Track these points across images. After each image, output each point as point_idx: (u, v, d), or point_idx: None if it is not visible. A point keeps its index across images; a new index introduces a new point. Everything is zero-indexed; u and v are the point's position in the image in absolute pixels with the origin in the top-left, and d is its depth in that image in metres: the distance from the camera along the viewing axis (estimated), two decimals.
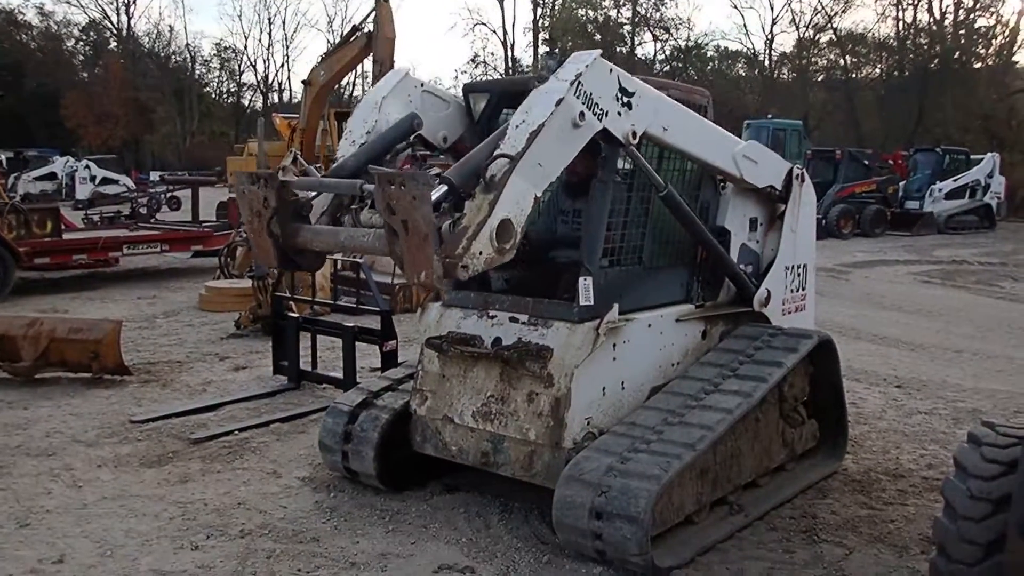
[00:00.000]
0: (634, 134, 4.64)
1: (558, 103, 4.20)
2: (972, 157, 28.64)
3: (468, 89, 5.52)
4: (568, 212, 5.67)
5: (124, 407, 7.40)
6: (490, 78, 52.56)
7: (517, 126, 4.18)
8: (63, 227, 14.92)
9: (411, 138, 4.92)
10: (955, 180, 27.00)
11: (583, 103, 4.33)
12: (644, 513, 4.16)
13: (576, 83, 4.28)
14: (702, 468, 4.84)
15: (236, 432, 6.71)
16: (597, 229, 4.82)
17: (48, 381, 8.07)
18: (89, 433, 6.69)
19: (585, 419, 4.78)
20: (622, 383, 5.00)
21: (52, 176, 35.28)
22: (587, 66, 4.35)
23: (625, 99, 4.58)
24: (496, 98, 5.37)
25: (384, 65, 17.77)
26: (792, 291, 6.19)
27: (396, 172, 3.96)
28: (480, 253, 3.95)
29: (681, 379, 5.19)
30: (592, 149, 5.40)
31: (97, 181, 33.44)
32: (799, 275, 6.26)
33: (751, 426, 5.24)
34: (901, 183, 27.22)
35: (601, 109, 4.44)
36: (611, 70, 4.52)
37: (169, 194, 30.96)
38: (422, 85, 5.20)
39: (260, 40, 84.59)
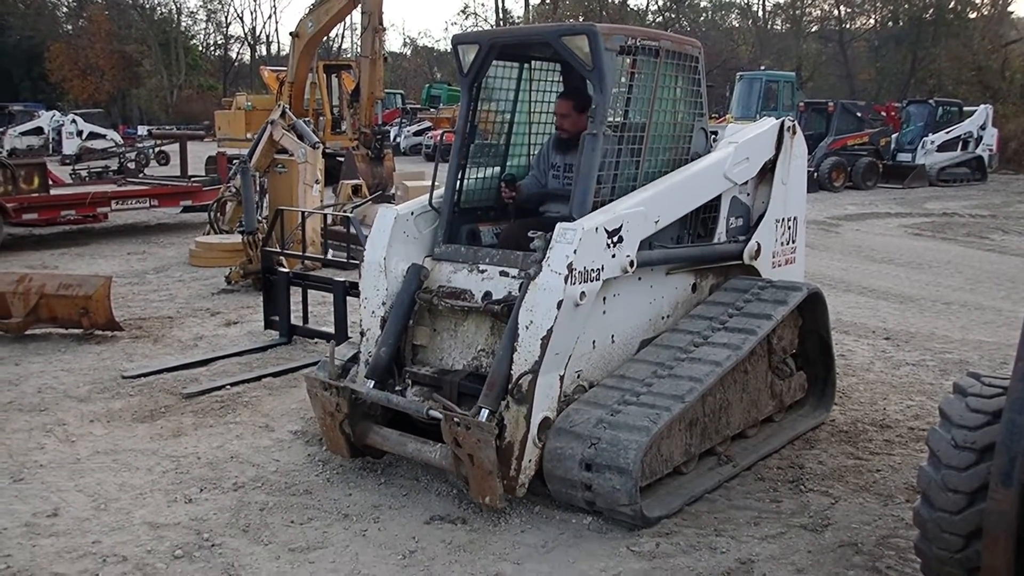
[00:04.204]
0: (632, 263, 4.74)
1: (559, 304, 4.34)
2: (965, 109, 28.45)
3: (457, 41, 5.46)
4: (559, 167, 5.64)
5: (116, 362, 7.41)
6: (480, 29, 51.86)
7: (527, 327, 4.40)
8: (50, 182, 14.80)
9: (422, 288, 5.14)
10: (947, 132, 26.79)
11: (581, 282, 4.42)
12: (633, 464, 4.22)
13: (569, 273, 4.37)
14: (691, 420, 4.88)
15: (228, 387, 6.73)
16: (587, 182, 4.80)
17: (39, 337, 8.07)
18: (81, 388, 6.71)
19: (575, 372, 4.81)
20: (612, 336, 5.02)
21: (39, 131, 34.80)
22: (575, 250, 4.41)
23: (614, 239, 4.64)
24: (485, 50, 5.30)
25: (373, 16, 17.48)
26: (782, 244, 6.19)
27: (463, 415, 4.28)
28: (530, 461, 4.38)
29: (671, 332, 5.22)
30: (582, 102, 5.38)
31: (84, 136, 32.95)
32: (789, 228, 6.25)
33: (740, 378, 5.28)
34: (894, 135, 27.05)
35: (597, 268, 4.53)
36: (597, 229, 4.53)
37: (157, 149, 30.61)
38: (412, 213, 5.35)
39: None
